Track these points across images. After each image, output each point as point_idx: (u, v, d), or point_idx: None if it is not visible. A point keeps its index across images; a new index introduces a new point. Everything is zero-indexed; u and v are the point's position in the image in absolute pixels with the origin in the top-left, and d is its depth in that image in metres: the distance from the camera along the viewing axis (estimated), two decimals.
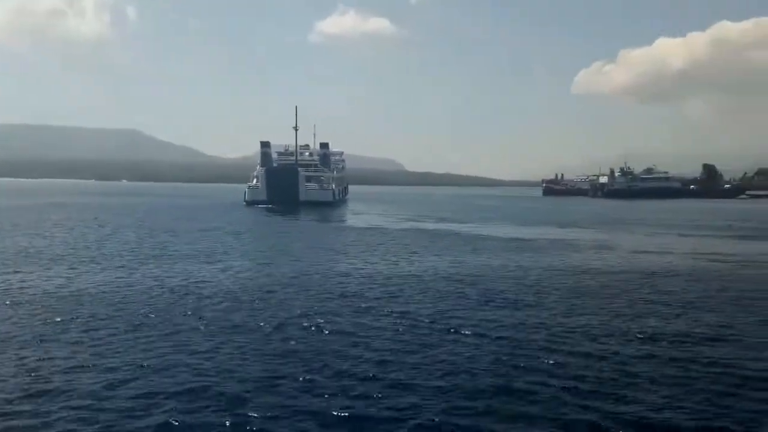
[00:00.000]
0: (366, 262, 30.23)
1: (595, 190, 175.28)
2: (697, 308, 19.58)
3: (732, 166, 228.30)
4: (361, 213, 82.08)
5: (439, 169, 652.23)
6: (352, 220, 67.02)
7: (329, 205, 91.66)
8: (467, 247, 38.04)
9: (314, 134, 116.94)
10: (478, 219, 70.27)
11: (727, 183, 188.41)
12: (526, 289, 22.81)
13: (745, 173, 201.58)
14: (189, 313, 18.06)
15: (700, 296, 21.72)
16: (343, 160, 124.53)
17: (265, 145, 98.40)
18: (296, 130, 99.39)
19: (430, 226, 57.86)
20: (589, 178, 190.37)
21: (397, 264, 29.78)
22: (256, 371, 12.81)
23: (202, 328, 16.34)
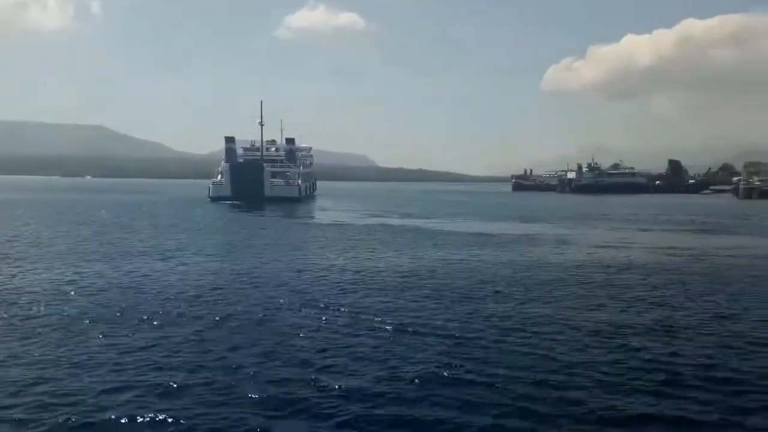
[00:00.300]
0: (323, 258, 29.65)
1: (563, 185, 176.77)
2: (643, 301, 19.53)
3: (697, 162, 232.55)
4: (327, 209, 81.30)
5: (411, 165, 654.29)
6: (317, 216, 66.23)
7: (295, 201, 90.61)
8: (428, 242, 37.67)
9: (281, 129, 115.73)
10: (443, 214, 69.97)
11: (692, 178, 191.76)
12: (481, 284, 22.46)
13: (709, 168, 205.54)
14: (124, 308, 17.44)
15: (649, 290, 21.62)
16: (310, 156, 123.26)
17: (229, 140, 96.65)
18: (262, 125, 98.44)
19: (394, 221, 57.31)
20: (558, 173, 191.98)
21: (354, 259, 29.27)
22: (181, 364, 12.50)
23: (136, 323, 15.76)
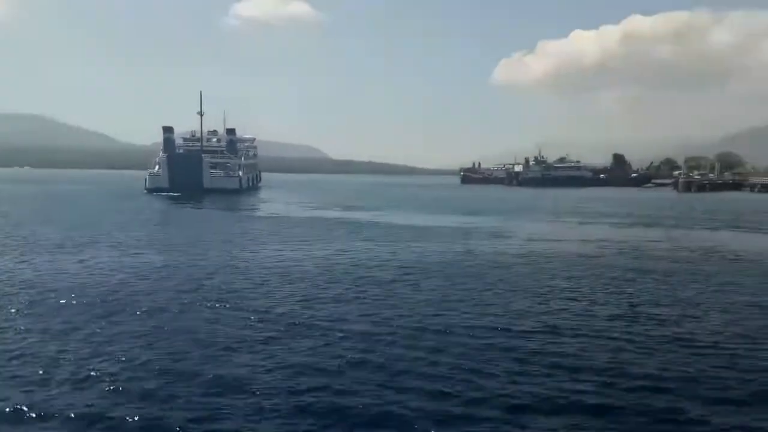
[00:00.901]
0: (248, 252, 28.69)
1: (510, 178, 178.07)
2: (557, 296, 19.05)
3: (642, 155, 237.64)
4: (269, 201, 79.47)
5: (362, 157, 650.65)
6: (256, 209, 64.35)
7: (236, 193, 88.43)
8: (358, 235, 36.66)
9: (224, 120, 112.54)
10: (385, 207, 68.80)
11: (635, 172, 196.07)
12: (405, 277, 22.03)
13: (651, 163, 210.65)
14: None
15: (570, 283, 21.30)
16: (254, 147, 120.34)
17: (167, 130, 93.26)
18: (201, 115, 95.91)
19: (333, 214, 55.88)
20: (506, 166, 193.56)
21: (280, 252, 28.45)
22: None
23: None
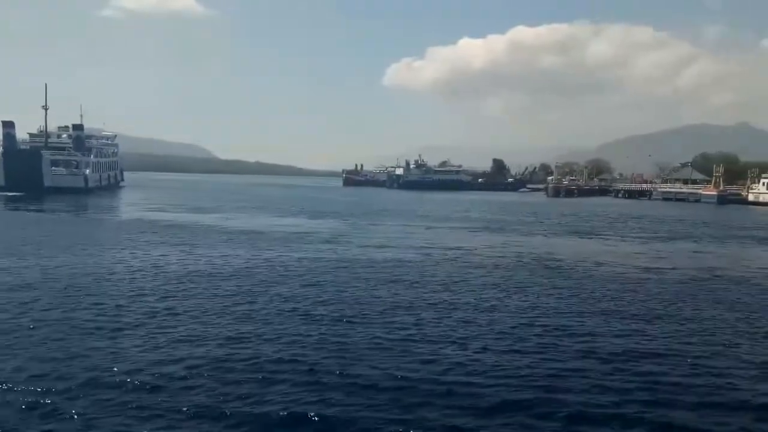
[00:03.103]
0: (61, 259, 25.04)
1: (392, 181, 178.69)
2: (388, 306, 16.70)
3: (529, 161, 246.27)
4: (123, 202, 74.65)
5: (250, 157, 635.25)
6: (102, 210, 59.03)
7: (82, 192, 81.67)
8: (179, 238, 33.33)
9: (81, 115, 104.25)
10: (242, 209, 65.14)
11: (512, 177, 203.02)
12: (220, 282, 20.72)
13: (526, 168, 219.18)
14: None
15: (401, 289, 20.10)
16: (114, 144, 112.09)
17: (7, 125, 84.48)
18: (46, 109, 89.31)
19: (183, 217, 51.70)
20: (387, 169, 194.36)
21: (100, 259, 25.83)
22: None
23: None
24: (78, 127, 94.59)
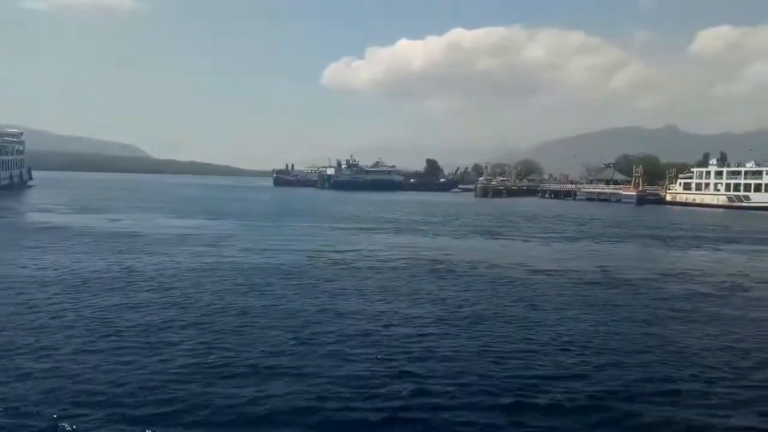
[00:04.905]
0: None
1: (323, 181, 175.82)
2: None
3: (468, 160, 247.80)
4: (22, 202, 69.43)
5: (184, 157, 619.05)
6: None
7: None
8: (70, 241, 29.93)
9: None
10: (129, 208, 61.38)
11: (444, 177, 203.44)
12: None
13: (458, 168, 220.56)
14: None
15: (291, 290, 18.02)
16: (20, 142, 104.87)
17: None
18: None
19: (83, 219, 47.70)
20: (319, 169, 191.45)
21: None
22: None
23: None
24: None
